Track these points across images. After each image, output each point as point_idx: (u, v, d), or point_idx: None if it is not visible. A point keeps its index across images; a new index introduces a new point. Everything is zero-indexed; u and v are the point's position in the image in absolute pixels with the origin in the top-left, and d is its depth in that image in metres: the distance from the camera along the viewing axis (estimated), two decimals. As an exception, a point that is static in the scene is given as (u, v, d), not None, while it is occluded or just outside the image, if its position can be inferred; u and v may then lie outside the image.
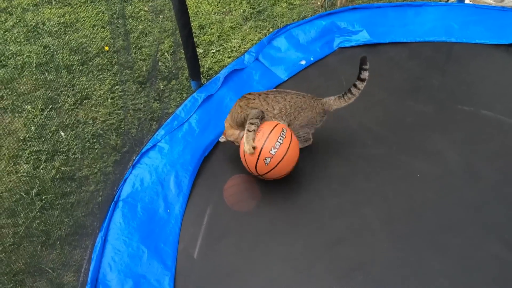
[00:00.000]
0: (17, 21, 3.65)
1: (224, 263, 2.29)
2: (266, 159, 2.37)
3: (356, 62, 3.16)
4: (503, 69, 3.05)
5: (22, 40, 3.49)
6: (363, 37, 3.25)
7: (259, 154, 2.38)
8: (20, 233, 2.42)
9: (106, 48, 3.41)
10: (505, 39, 3.15)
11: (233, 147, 2.77)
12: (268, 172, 2.42)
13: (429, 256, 2.24)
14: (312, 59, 3.17)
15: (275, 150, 2.35)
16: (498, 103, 2.86)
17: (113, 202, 2.44)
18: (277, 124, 2.44)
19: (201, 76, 3.09)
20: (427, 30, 3.27)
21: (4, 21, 3.65)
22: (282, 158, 2.38)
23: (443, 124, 2.79)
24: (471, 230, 2.30)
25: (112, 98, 3.13)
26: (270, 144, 2.36)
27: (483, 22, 3.29)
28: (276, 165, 2.39)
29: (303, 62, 3.16)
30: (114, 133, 2.94)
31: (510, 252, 2.21)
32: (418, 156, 2.62)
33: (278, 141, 2.37)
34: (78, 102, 3.10)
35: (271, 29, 3.44)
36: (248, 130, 2.42)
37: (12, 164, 2.76)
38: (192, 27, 3.48)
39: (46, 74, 3.27)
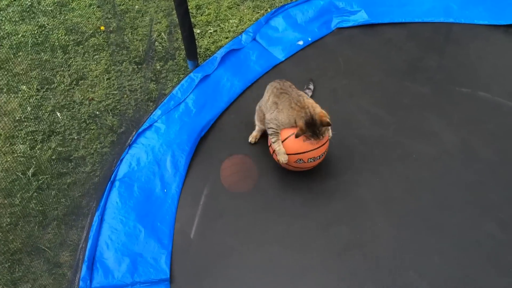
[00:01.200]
0: (12, 0, 3.58)
1: (220, 242, 2.29)
2: (299, 160, 2.35)
3: (355, 43, 3.15)
4: (501, 50, 3.01)
5: (17, 20, 3.42)
6: (362, 17, 3.20)
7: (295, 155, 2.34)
8: (17, 213, 2.41)
9: (102, 28, 3.36)
10: (504, 20, 3.10)
11: (230, 128, 2.76)
12: (296, 167, 2.42)
13: (424, 235, 2.25)
14: (309, 39, 3.13)
15: (313, 160, 2.35)
16: (495, 85, 2.83)
17: (109, 182, 2.43)
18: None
19: (198, 56, 3.04)
20: (425, 10, 3.22)
21: (-2, 1, 3.58)
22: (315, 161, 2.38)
23: (441, 106, 2.76)
24: (466, 210, 2.31)
25: (108, 79, 3.08)
26: (311, 155, 2.32)
27: (482, 3, 3.24)
28: (307, 166, 2.40)
29: (301, 43, 3.11)
30: (110, 114, 2.91)
31: (504, 231, 2.22)
32: (415, 137, 2.61)
33: (320, 154, 2.35)
34: (74, 83, 3.06)
35: (269, 9, 3.38)
36: (272, 142, 2.38)
37: (8, 144, 2.73)
38: (189, 6, 3.43)
39: (42, 54, 3.22)
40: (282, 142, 2.34)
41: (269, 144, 2.45)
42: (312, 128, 2.21)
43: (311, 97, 2.64)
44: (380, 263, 2.17)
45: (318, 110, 2.26)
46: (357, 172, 2.49)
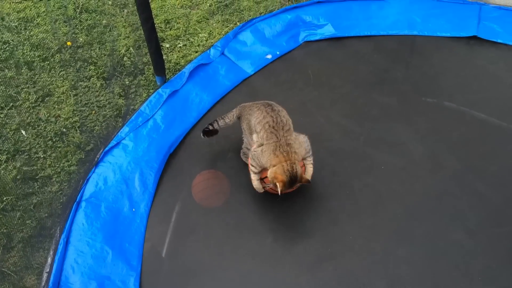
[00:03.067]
0: (-26, 16, 3.47)
1: (193, 260, 2.23)
2: None
3: (322, 56, 3.16)
4: (464, 61, 3.07)
5: (-20, 36, 3.30)
6: (328, 30, 3.22)
7: None
8: (-20, 236, 2.30)
9: (69, 43, 3.27)
10: (465, 32, 3.17)
11: (200, 143, 2.71)
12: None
13: (394, 245, 2.24)
14: (278, 53, 3.12)
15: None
16: (459, 95, 2.88)
17: (75, 203, 2.33)
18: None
19: (165, 71, 2.99)
20: (390, 23, 3.27)
21: (-40, 17, 3.45)
22: None
23: (407, 116, 2.79)
24: (434, 219, 2.32)
25: (75, 95, 2.99)
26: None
27: (444, 15, 3.30)
28: None
29: (269, 56, 3.10)
30: (78, 131, 2.82)
31: (471, 239, 2.23)
32: (383, 148, 2.62)
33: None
34: (40, 100, 2.96)
35: (238, 23, 3.36)
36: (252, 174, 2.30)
37: (-30, 165, 2.61)
38: (157, 21, 3.39)
39: (6, 71, 3.11)
40: (263, 179, 2.28)
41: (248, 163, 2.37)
42: (290, 184, 2.14)
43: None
44: (351, 275, 2.15)
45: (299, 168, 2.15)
46: (327, 185, 2.47)
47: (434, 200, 2.39)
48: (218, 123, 2.50)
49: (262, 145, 2.22)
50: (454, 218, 2.32)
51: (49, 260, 2.19)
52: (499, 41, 3.11)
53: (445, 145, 2.62)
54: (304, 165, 2.28)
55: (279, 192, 2.14)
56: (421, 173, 2.51)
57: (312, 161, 2.30)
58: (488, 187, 2.42)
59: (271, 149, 2.16)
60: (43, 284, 2.12)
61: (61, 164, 2.66)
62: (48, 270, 2.14)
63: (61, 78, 3.09)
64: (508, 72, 2.97)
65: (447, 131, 2.69)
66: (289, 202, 2.41)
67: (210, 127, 2.51)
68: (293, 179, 2.11)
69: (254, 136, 2.30)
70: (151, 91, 2.97)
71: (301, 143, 2.23)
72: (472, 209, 2.35)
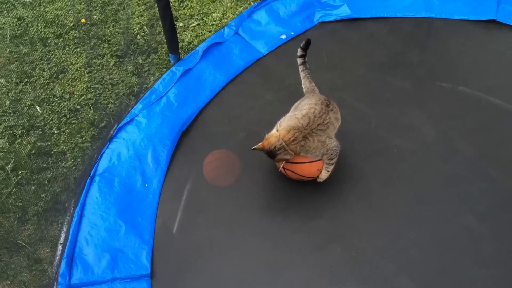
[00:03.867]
0: (-10, -9, 3.49)
1: (203, 237, 2.27)
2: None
3: (337, 37, 3.13)
4: (481, 45, 3.03)
5: (-5, 12, 3.33)
6: (344, 11, 3.18)
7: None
8: (-4, 208, 2.37)
9: (83, 20, 3.28)
10: (483, 15, 3.12)
11: (212, 122, 2.72)
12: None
13: (404, 228, 2.26)
14: (292, 33, 3.10)
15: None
16: (475, 80, 2.85)
17: (89, 177, 2.38)
18: None
19: (179, 50, 3.00)
20: (407, 5, 3.22)
21: (-25, -8, 3.48)
22: None
23: (421, 100, 2.77)
24: (445, 203, 2.32)
25: (89, 72, 3.02)
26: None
27: (463, -2, 3.25)
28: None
29: (284, 37, 3.09)
30: (91, 108, 2.85)
31: (481, 224, 2.24)
32: (395, 132, 2.61)
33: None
34: (54, 76, 2.99)
35: (252, 3, 3.34)
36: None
37: (-14, 139, 2.67)
38: (171, 0, 3.38)
39: (21, 47, 3.14)
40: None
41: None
42: (267, 153, 2.22)
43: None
44: (360, 257, 2.18)
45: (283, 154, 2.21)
46: (339, 167, 2.47)
47: (445, 185, 2.39)
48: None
49: (294, 116, 2.26)
50: (464, 202, 2.33)
51: (63, 232, 2.25)
52: (518, 25, 3.06)
53: (459, 130, 2.61)
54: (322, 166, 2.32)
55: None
56: (433, 158, 2.50)
57: (329, 169, 2.33)
58: (500, 173, 2.41)
59: (292, 125, 2.19)
60: (58, 255, 2.18)
61: (75, 140, 2.70)
62: (62, 241, 2.20)
63: (75, 55, 3.11)
64: (526, 57, 2.93)
65: (461, 116, 2.68)
66: (300, 183, 2.43)
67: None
68: (270, 153, 2.19)
69: (295, 112, 2.33)
70: (164, 70, 2.98)
71: (321, 148, 2.23)
72: (483, 194, 2.35)
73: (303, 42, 2.48)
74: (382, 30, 3.13)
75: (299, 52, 2.49)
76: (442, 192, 2.36)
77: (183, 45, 3.14)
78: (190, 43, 3.17)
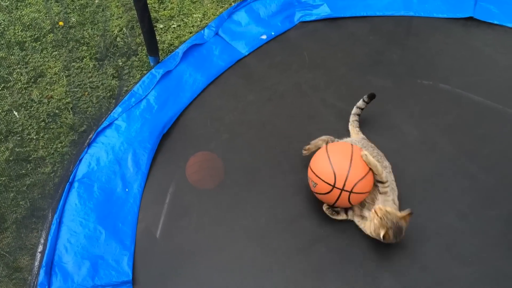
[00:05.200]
0: (-36, -5, 3.39)
1: (187, 241, 2.24)
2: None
3: (318, 37, 3.12)
4: (460, 43, 3.04)
5: (-30, 16, 3.25)
6: (324, 11, 3.16)
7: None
8: (-27, 217, 2.30)
9: (61, 23, 3.21)
10: (461, 13, 3.12)
11: (194, 124, 2.69)
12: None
13: (386, 228, 2.24)
14: (273, 33, 3.07)
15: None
16: (455, 77, 2.85)
17: (68, 183, 2.33)
18: None
19: (159, 52, 2.95)
20: (386, 4, 3.21)
21: (-50, -5, 3.38)
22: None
23: (402, 98, 2.77)
24: (426, 201, 2.32)
25: (68, 76, 2.96)
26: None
27: (441, -4, 3.26)
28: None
29: (264, 37, 3.06)
30: (71, 112, 2.79)
31: (463, 221, 2.24)
32: (376, 130, 2.60)
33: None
34: (32, 81, 2.93)
35: (232, 3, 3.31)
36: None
37: (-38, 146, 2.59)
38: (150, 1, 3.33)
39: (-3, 51, 3.07)
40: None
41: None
42: None
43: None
44: (344, 257, 2.16)
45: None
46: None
47: (426, 183, 2.39)
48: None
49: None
50: (446, 200, 2.33)
51: (42, 240, 2.19)
52: (495, 22, 3.06)
53: (439, 128, 2.61)
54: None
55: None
56: (414, 156, 2.50)
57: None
58: (481, 170, 2.42)
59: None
60: (36, 264, 2.13)
61: (54, 146, 2.64)
62: (41, 250, 2.15)
63: (54, 59, 3.05)
64: (503, 54, 2.94)
65: (442, 114, 2.68)
66: (284, 184, 2.41)
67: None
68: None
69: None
70: (145, 72, 2.93)
71: None
72: (464, 191, 2.35)
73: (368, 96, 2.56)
74: (363, 29, 3.12)
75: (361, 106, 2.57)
76: (423, 190, 2.36)
77: (163, 47, 3.09)
78: (171, 44, 3.13)
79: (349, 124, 2.55)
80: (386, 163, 2.33)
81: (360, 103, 2.57)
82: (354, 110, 2.57)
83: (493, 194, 2.34)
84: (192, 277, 2.12)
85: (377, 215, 2.04)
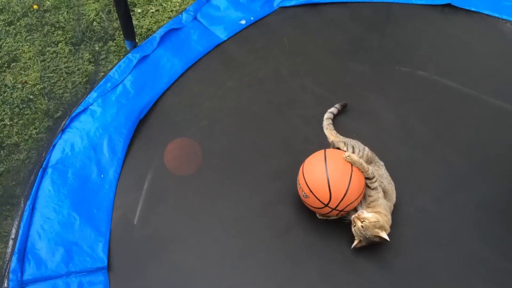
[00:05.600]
0: None
1: (165, 227, 2.21)
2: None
3: (298, 23, 3.08)
4: (438, 30, 3.04)
5: None
6: (304, -4, 3.13)
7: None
8: None
9: (35, 6, 3.11)
10: (439, 0, 3.13)
11: (173, 110, 2.64)
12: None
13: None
14: (252, 18, 3.02)
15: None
16: (432, 64, 2.86)
17: (41, 169, 2.27)
18: None
19: (136, 36, 2.88)
20: (366, -11, 3.20)
21: None
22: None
23: (380, 85, 2.76)
24: (402, 187, 2.31)
25: (42, 61, 2.87)
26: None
27: (420, -17, 3.25)
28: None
29: (243, 22, 3.01)
30: (46, 98, 2.72)
31: (437, 206, 2.26)
32: (355, 116, 2.60)
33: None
34: (6, 65, 2.84)
35: (212, -12, 3.25)
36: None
37: None
38: (127, -16, 3.24)
39: (-31, 35, 2.96)
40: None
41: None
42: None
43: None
44: (321, 241, 2.16)
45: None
46: (299, 153, 2.43)
47: (402, 168, 2.39)
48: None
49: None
50: (421, 185, 2.34)
51: (15, 227, 2.14)
52: (472, 9, 3.07)
53: (416, 114, 2.62)
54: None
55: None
56: (391, 141, 2.50)
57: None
58: (456, 155, 2.44)
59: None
60: (9, 251, 2.07)
61: (29, 132, 2.57)
62: (13, 236, 2.10)
63: (28, 43, 2.95)
64: (480, 41, 2.96)
65: (419, 100, 2.69)
66: (262, 170, 2.39)
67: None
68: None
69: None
70: (122, 57, 2.86)
71: None
72: (439, 176, 2.37)
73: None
74: (342, 15, 3.10)
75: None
76: (399, 175, 2.35)
77: (142, 31, 3.02)
78: (149, 29, 3.06)
79: (324, 129, 2.49)
80: (381, 162, 2.27)
81: (333, 109, 2.55)
82: (327, 114, 2.53)
83: (467, 179, 2.36)
84: (169, 263, 2.10)
85: (354, 225, 2.03)
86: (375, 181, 2.06)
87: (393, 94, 2.71)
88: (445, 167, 2.40)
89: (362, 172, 2.04)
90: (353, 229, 2.06)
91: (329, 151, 2.14)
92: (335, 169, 2.01)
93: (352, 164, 2.03)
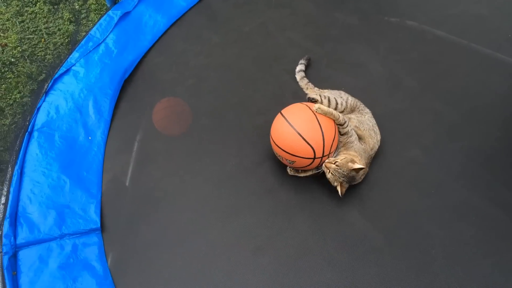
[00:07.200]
0: None
1: (156, 188, 2.15)
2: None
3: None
4: (427, -23, 2.88)
5: None
6: None
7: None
8: None
9: (9, -36, 2.88)
10: None
11: (158, 69, 2.51)
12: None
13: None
14: (236, -29, 2.84)
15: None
16: (421, 13, 2.73)
17: (27, 133, 2.17)
18: None
19: (117, -8, 2.71)
20: None
21: None
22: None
23: (369, 36, 2.64)
24: (391, 138, 2.27)
25: (21, 22, 2.70)
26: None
27: None
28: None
29: (227, -25, 2.83)
30: (28, 60, 2.57)
31: (426, 155, 2.21)
32: (343, 69, 2.50)
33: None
34: (-17, 28, 2.66)
35: None
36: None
37: None
38: None
39: None
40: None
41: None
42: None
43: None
44: (311, 196, 2.12)
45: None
46: (285, 104, 2.36)
47: (391, 119, 2.32)
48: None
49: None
50: (409, 136, 2.28)
51: (4, 192, 2.07)
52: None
53: (405, 65, 2.52)
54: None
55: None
56: (379, 94, 2.42)
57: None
58: (444, 105, 2.37)
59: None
60: (0, 217, 2.02)
61: (13, 96, 2.45)
62: (3, 201, 2.03)
63: (4, 4, 2.76)
64: (470, -12, 2.82)
65: (407, 51, 2.58)
66: (251, 127, 2.31)
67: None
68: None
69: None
70: (103, 15, 2.69)
71: None
72: (428, 126, 2.31)
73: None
74: (329, -35, 2.92)
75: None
76: (387, 127, 2.30)
77: (122, -12, 2.83)
78: (130, -15, 2.86)
79: (301, 83, 2.41)
80: (366, 110, 2.25)
81: (301, 66, 2.46)
82: (299, 73, 2.44)
83: (455, 128, 2.30)
84: (161, 222, 2.06)
85: (329, 171, 1.98)
86: (346, 126, 2.03)
87: (381, 46, 2.60)
88: (433, 117, 2.33)
89: (333, 120, 2.01)
90: (328, 176, 2.01)
91: (284, 110, 2.06)
92: (300, 123, 1.96)
93: (323, 115, 1.99)
